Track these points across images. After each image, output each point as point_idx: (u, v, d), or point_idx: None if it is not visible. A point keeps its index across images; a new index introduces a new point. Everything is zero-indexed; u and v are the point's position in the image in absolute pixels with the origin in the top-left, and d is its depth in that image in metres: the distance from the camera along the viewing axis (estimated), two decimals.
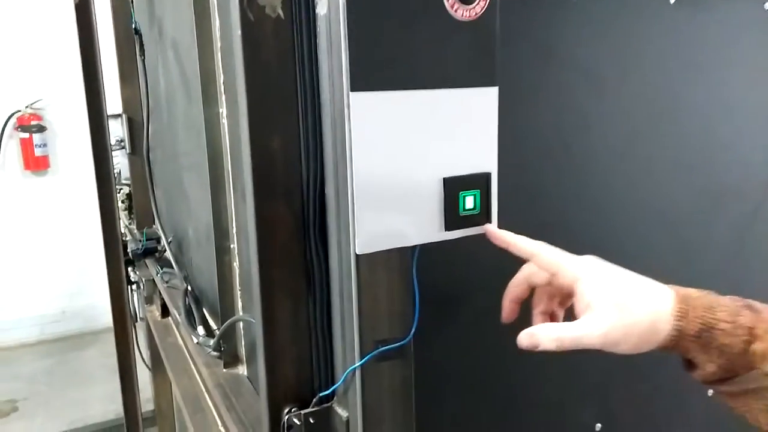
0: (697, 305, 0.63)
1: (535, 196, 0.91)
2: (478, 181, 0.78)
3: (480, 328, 0.87)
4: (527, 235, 0.90)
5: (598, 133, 0.97)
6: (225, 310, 1.24)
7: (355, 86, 0.68)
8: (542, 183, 0.93)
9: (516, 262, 0.87)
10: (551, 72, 0.91)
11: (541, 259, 0.72)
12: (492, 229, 0.76)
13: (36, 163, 4.56)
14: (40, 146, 4.53)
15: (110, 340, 2.48)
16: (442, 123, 0.75)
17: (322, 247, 0.82)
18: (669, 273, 1.06)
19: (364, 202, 0.71)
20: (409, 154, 0.73)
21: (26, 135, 4.48)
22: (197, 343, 1.34)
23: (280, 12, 0.75)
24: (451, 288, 0.85)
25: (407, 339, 0.79)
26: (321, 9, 0.73)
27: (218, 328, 1.27)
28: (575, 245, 0.96)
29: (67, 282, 4.87)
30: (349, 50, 0.68)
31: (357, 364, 0.76)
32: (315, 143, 0.79)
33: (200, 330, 1.38)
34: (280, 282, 0.82)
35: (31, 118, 4.48)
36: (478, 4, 0.73)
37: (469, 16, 0.74)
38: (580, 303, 0.66)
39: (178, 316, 1.53)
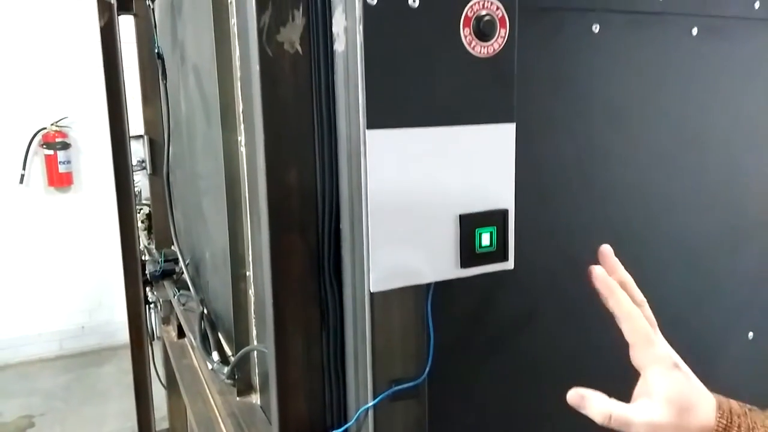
0: (741, 423, 0.62)
1: (555, 231, 0.90)
2: (495, 218, 0.77)
3: (497, 369, 0.86)
4: (546, 272, 0.89)
5: (618, 166, 0.96)
6: (239, 338, 1.23)
7: (372, 124, 0.68)
8: (562, 218, 0.91)
9: (534, 301, 0.86)
10: (571, 105, 0.91)
11: (630, 326, 0.67)
12: (599, 272, 0.70)
13: (60, 180, 4.64)
14: (64, 163, 4.61)
15: (127, 356, 2.49)
16: (459, 159, 0.74)
17: (336, 283, 0.81)
18: (692, 306, 1.04)
19: (378, 239, 0.70)
20: (424, 190, 0.73)
21: (51, 152, 4.56)
22: (212, 369, 1.33)
23: (299, 48, 0.75)
24: (467, 327, 0.84)
25: (421, 378, 0.77)
26: (339, 46, 0.73)
27: (233, 355, 1.27)
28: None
29: (86, 298, 4.91)
30: (366, 88, 0.67)
31: (370, 404, 0.75)
32: (331, 178, 0.78)
33: (215, 356, 1.38)
34: (293, 315, 0.81)
35: (56, 135, 4.56)
36: (495, 41, 0.73)
37: (487, 53, 0.73)
38: (642, 387, 0.65)
39: (193, 340, 1.53)
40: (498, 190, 0.77)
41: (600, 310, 0.96)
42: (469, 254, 0.76)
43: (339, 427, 0.83)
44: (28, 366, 4.65)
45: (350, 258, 0.77)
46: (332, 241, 0.80)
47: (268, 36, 0.74)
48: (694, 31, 0.98)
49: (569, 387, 0.94)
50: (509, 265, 0.79)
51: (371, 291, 0.71)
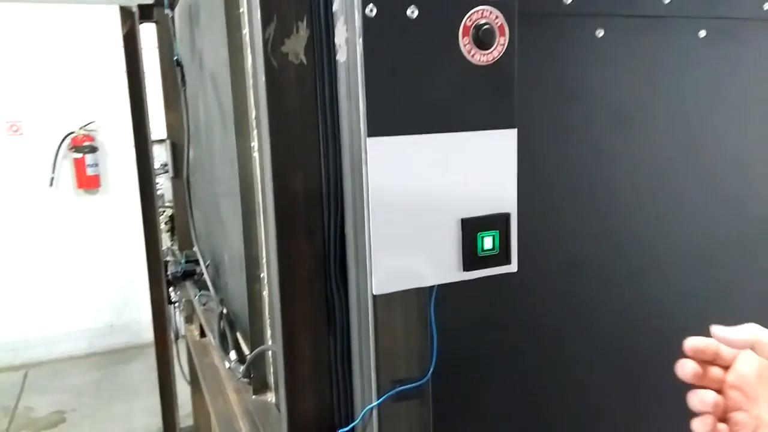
0: None
1: (560, 236, 0.91)
2: (497, 222, 0.79)
3: (500, 369, 0.87)
4: (551, 277, 0.90)
5: (625, 171, 0.97)
6: (255, 338, 1.27)
7: (372, 131, 0.70)
8: (567, 222, 0.92)
9: (534, 304, 0.87)
10: (576, 110, 0.92)
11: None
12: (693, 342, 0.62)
13: (88, 182, 4.75)
14: (91, 166, 4.72)
15: (154, 354, 2.55)
16: (460, 165, 0.76)
17: (342, 285, 0.83)
18: (701, 312, 1.04)
19: (381, 244, 0.73)
20: (426, 195, 0.75)
21: (79, 155, 4.67)
22: (229, 368, 1.37)
23: (303, 59, 0.78)
24: (470, 328, 0.85)
25: (425, 379, 0.79)
26: (341, 56, 0.75)
27: (250, 354, 1.30)
28: (601, 286, 0.96)
29: (115, 297, 5.03)
30: (367, 97, 0.70)
31: (374, 404, 0.77)
32: (336, 184, 0.81)
33: (233, 355, 1.41)
34: (301, 317, 0.84)
35: (84, 139, 4.68)
36: (495, 48, 0.75)
37: (487, 61, 0.75)
38: None
39: (212, 339, 1.57)
40: (500, 194, 0.79)
41: (604, 313, 0.97)
42: (471, 257, 0.77)
43: (346, 425, 0.85)
44: (60, 363, 4.77)
45: (354, 261, 0.79)
46: (338, 244, 0.82)
47: (273, 47, 0.76)
48: (702, 33, 0.98)
49: (573, 389, 0.95)
50: (512, 268, 0.81)
51: (374, 293, 0.74)
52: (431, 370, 0.79)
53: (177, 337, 2.63)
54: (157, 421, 3.30)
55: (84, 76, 4.65)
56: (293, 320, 0.83)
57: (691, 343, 0.62)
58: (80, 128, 4.68)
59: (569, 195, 0.91)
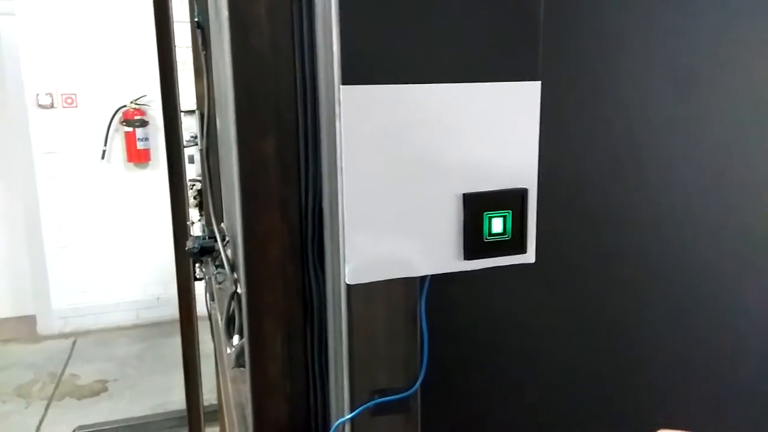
0: None
1: (591, 220, 0.73)
2: (510, 200, 0.62)
3: (505, 381, 0.71)
4: (578, 272, 0.73)
5: (683, 143, 0.77)
6: None
7: (348, 78, 0.55)
8: (605, 205, 0.74)
9: (554, 304, 0.71)
10: (623, 65, 0.73)
11: None
12: None
13: (138, 156, 4.79)
14: (142, 140, 4.76)
15: (200, 328, 2.50)
16: (465, 127, 0.60)
17: (320, 270, 0.69)
18: (739, 311, 0.85)
19: (357, 222, 0.58)
20: (419, 163, 0.59)
21: (130, 129, 4.71)
22: (228, 354, 1.26)
23: None
24: (471, 330, 0.69)
25: (412, 390, 0.64)
26: None
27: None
28: (641, 284, 0.78)
29: (162, 270, 5.07)
30: (341, 32, 0.54)
31: (346, 418, 0.63)
32: (316, 147, 0.66)
33: (235, 340, 1.30)
34: (271, 306, 0.70)
35: (135, 113, 4.71)
36: None
37: None
38: None
39: (220, 320, 1.46)
40: (516, 165, 0.62)
41: (644, 314, 0.79)
42: (475, 243, 0.62)
43: None
44: (107, 333, 4.88)
45: (330, 243, 0.64)
46: (317, 221, 0.68)
47: None
48: None
49: (591, 399, 0.78)
50: (528, 257, 0.64)
51: (348, 283, 0.59)
52: (420, 379, 0.64)
53: (210, 314, 2.57)
54: None
55: (137, 49, 4.67)
56: (262, 310, 0.70)
57: None
58: (131, 102, 4.71)
59: (606, 170, 0.72)
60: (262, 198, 0.67)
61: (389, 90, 0.57)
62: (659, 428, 0.55)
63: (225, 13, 0.63)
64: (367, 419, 0.63)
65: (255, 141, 0.66)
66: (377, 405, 0.63)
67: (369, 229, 0.58)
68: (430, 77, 0.58)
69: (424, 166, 0.59)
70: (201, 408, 2.47)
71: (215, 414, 2.91)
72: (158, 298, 5.16)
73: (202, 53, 1.69)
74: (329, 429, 0.71)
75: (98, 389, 4.06)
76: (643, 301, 0.78)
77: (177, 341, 4.76)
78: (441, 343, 0.64)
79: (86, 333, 4.85)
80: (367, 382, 0.63)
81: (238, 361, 1.11)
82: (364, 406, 0.63)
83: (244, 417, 1.07)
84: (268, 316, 0.70)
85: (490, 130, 0.61)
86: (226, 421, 1.48)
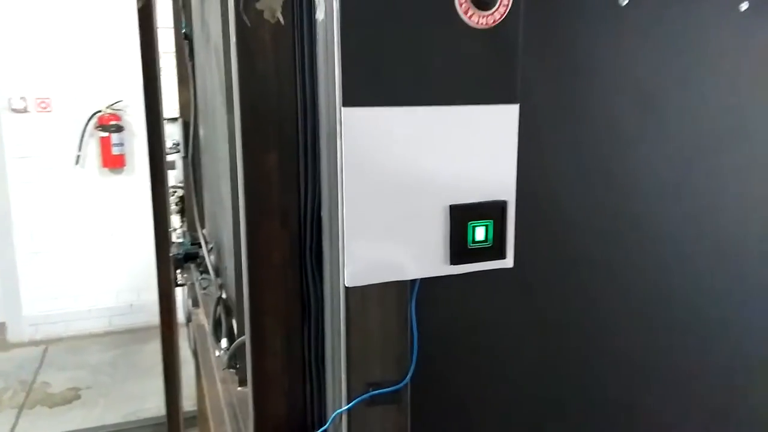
0: None
1: (565, 229, 0.81)
2: (492, 210, 0.69)
3: (489, 377, 0.78)
4: (553, 277, 0.80)
5: (646, 158, 0.85)
6: (242, 327, 1.19)
7: (348, 101, 0.61)
8: (574, 215, 0.82)
9: (531, 306, 0.78)
10: (592, 87, 0.81)
11: None
12: None
13: (113, 161, 4.77)
14: (117, 145, 4.74)
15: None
16: (451, 144, 0.66)
17: (319, 274, 0.75)
18: (723, 312, 0.93)
19: (355, 230, 0.64)
20: (410, 177, 0.65)
21: (105, 134, 4.68)
22: (218, 356, 1.30)
23: (280, 17, 0.69)
24: (457, 330, 0.76)
25: (403, 383, 0.70)
26: (319, 14, 0.66)
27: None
28: (611, 289, 0.85)
29: (136, 277, 5.05)
30: (343, 60, 0.61)
31: (343, 408, 0.69)
32: (315, 160, 0.72)
33: (223, 343, 1.35)
34: (272, 307, 0.76)
35: (111, 118, 4.69)
36: (497, 10, 0.65)
37: (486, 24, 0.65)
38: None
39: (206, 325, 1.50)
40: (497, 179, 0.69)
41: (612, 321, 0.86)
42: (460, 249, 0.68)
43: (319, 428, 0.77)
44: (79, 341, 4.82)
45: (329, 249, 0.71)
46: (315, 229, 0.74)
47: (245, 4, 0.68)
48: (743, 6, 0.86)
49: (574, 398, 0.86)
50: (508, 263, 0.71)
51: (346, 285, 0.65)
52: (410, 373, 0.70)
53: (189, 320, 2.59)
54: None
55: (113, 54, 4.65)
56: (263, 310, 0.75)
57: None
58: (107, 107, 4.68)
59: (578, 183, 0.80)
60: (265, 207, 0.73)
61: (385, 112, 0.63)
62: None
63: (233, 38, 0.69)
64: (362, 409, 0.69)
65: (259, 155, 0.71)
66: (372, 397, 0.69)
67: (366, 237, 0.64)
68: (421, 101, 0.64)
69: (415, 180, 0.66)
70: (181, 414, 2.49)
71: (193, 420, 2.93)
72: (131, 305, 5.12)
73: (189, 63, 1.74)
74: (324, 421, 0.77)
75: (71, 397, 4.02)
76: (606, 303, 0.85)
77: (151, 348, 4.74)
78: (429, 341, 0.70)
79: (58, 340, 4.78)
80: (362, 376, 0.69)
81: (230, 363, 1.16)
82: (361, 397, 0.69)
83: (235, 415, 1.12)
84: (269, 317, 0.75)
85: (474, 147, 0.68)
86: (212, 422, 1.51)
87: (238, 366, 1.19)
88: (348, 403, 0.69)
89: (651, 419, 0.92)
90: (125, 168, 4.92)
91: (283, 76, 0.71)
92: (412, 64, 0.63)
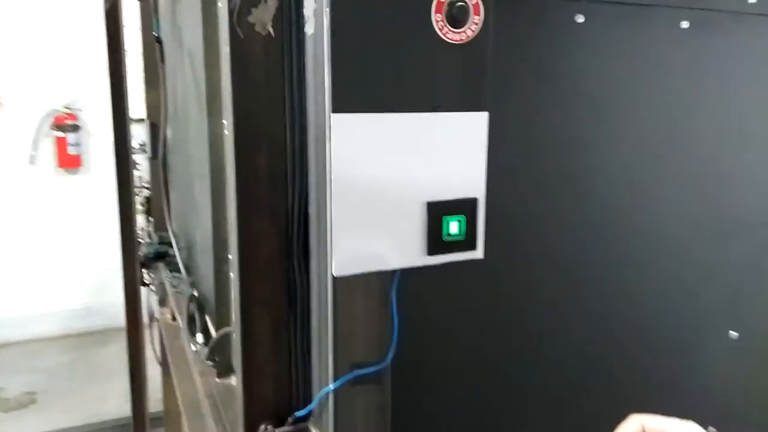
0: None
1: (528, 224, 0.89)
2: (464, 207, 0.77)
3: (462, 359, 0.85)
4: (518, 267, 0.89)
5: (600, 160, 0.95)
6: (221, 320, 1.24)
7: (337, 107, 0.68)
8: (537, 211, 0.90)
9: (499, 294, 0.85)
10: (552, 96, 0.89)
11: None
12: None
13: (69, 162, 4.69)
14: (73, 145, 4.66)
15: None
16: (428, 147, 0.74)
17: (305, 266, 0.81)
18: (671, 302, 1.03)
19: (343, 224, 0.70)
20: (391, 177, 0.72)
21: (61, 134, 4.60)
22: (195, 351, 1.34)
23: (270, 30, 0.75)
24: (434, 316, 0.83)
25: (384, 365, 0.77)
26: (309, 28, 0.73)
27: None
28: (569, 278, 0.94)
29: (93, 279, 4.96)
30: (332, 71, 0.67)
31: (330, 387, 0.75)
32: (302, 161, 0.78)
33: (199, 337, 1.38)
34: (261, 297, 0.81)
35: (67, 117, 4.60)
36: (469, 27, 0.72)
37: (460, 40, 0.72)
38: None
39: (180, 321, 1.54)
40: (468, 178, 0.77)
41: (571, 307, 0.95)
42: (436, 242, 0.76)
43: (304, 408, 0.83)
44: (34, 344, 4.71)
45: (316, 242, 0.77)
46: (302, 224, 0.80)
47: (239, 17, 0.73)
48: (684, 24, 0.97)
49: (536, 377, 0.94)
50: (478, 254, 0.79)
51: (334, 275, 0.71)
52: (390, 355, 0.77)
53: (151, 320, 2.59)
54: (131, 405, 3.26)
55: (70, 52, 4.57)
56: (253, 301, 0.81)
57: None
58: (63, 106, 4.60)
59: (540, 183, 0.89)
60: (255, 205, 0.79)
61: (370, 117, 0.70)
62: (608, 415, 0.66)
63: (226, 49, 0.74)
64: (346, 389, 0.76)
65: (250, 156, 0.77)
66: (356, 377, 0.76)
67: (352, 230, 0.71)
68: (403, 108, 0.71)
69: (396, 179, 0.73)
70: (147, 414, 2.49)
71: (157, 421, 2.92)
72: (89, 307, 5.02)
73: (161, 66, 1.76)
74: (309, 401, 0.83)
75: (26, 401, 3.94)
76: (562, 290, 0.94)
77: (109, 351, 4.68)
78: (408, 325, 0.77)
79: (12, 344, 4.66)
80: (348, 358, 0.75)
81: (211, 356, 1.21)
82: (346, 377, 0.75)
83: (215, 405, 1.17)
84: (258, 307, 0.81)
85: (449, 150, 0.75)
86: (184, 417, 1.54)
87: (216, 359, 1.24)
88: (334, 383, 0.75)
89: (604, 396, 1.02)
90: (81, 168, 4.84)
91: (272, 83, 0.76)
92: (394, 75, 0.70)
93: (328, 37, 0.66)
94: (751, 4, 1.00)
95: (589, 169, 0.94)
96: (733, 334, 1.10)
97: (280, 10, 0.75)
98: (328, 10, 0.66)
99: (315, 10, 0.70)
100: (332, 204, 0.69)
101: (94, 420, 3.74)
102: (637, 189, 0.99)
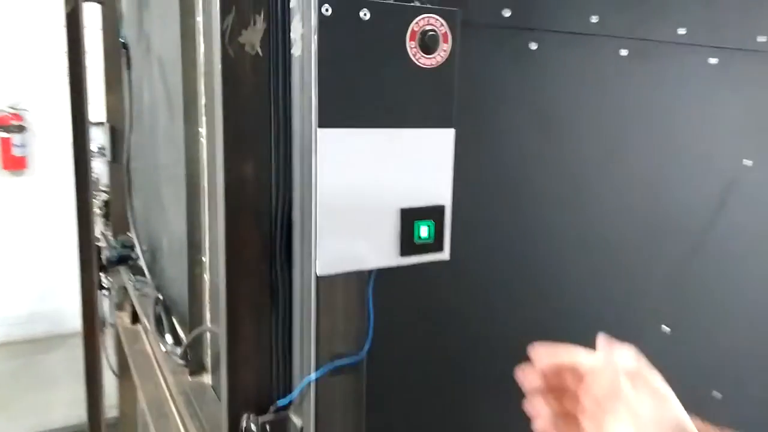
0: None
1: (490, 228, 0.99)
2: (433, 213, 0.86)
3: (433, 349, 0.94)
4: (478, 268, 0.98)
5: (549, 173, 1.06)
6: (193, 320, 1.29)
7: (323, 123, 0.75)
8: (497, 217, 1.00)
9: (462, 291, 0.95)
10: (510, 115, 1.00)
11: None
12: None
13: (14, 163, 4.56)
14: (18, 147, 4.53)
15: (77, 344, 2.49)
16: (402, 159, 0.82)
17: (287, 267, 0.88)
18: (613, 305, 1.15)
19: (326, 228, 0.78)
20: (370, 185, 0.80)
21: (6, 135, 4.47)
22: (165, 351, 1.38)
23: (259, 50, 0.82)
24: (405, 310, 0.92)
25: (361, 356, 0.85)
26: (296, 50, 0.80)
27: (186, 338, 1.32)
28: (525, 274, 1.05)
29: (36, 284, 4.83)
30: (319, 90, 0.75)
31: (312, 376, 0.82)
32: (285, 171, 0.85)
33: (168, 338, 1.43)
34: (245, 296, 0.88)
35: (12, 118, 4.48)
36: (438, 53, 0.81)
37: (430, 64, 0.81)
38: None
39: (147, 324, 1.57)
40: (437, 188, 0.86)
41: (527, 298, 1.06)
42: (408, 244, 0.84)
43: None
44: None
45: (300, 245, 0.84)
46: (285, 229, 0.87)
47: (230, 38, 0.80)
48: (623, 52, 1.09)
49: (493, 367, 1.04)
50: (445, 255, 0.88)
51: (318, 274, 0.79)
52: (367, 347, 0.85)
53: (104, 326, 2.57)
54: (78, 413, 3.20)
55: (15, 52, 4.45)
56: (238, 301, 0.87)
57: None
58: (8, 106, 4.48)
59: (499, 192, 0.99)
60: (241, 210, 0.85)
61: (352, 132, 0.78)
62: None
63: (219, 67, 0.81)
64: (326, 378, 0.83)
65: (238, 164, 0.84)
66: (336, 367, 0.83)
67: (334, 234, 0.79)
68: (380, 124, 0.79)
69: (374, 187, 0.81)
70: (103, 420, 2.48)
71: (113, 428, 2.89)
72: (32, 314, 4.88)
73: (126, 72, 1.79)
74: (290, 392, 0.90)
75: None
76: (520, 290, 1.05)
77: (55, 358, 4.56)
78: (383, 320, 0.86)
79: None
80: (328, 350, 0.83)
81: (184, 355, 1.26)
82: (326, 367, 0.83)
83: (189, 402, 1.22)
84: (242, 307, 0.87)
85: (420, 162, 0.84)
86: (149, 417, 1.58)
87: (189, 358, 1.29)
88: (316, 372, 0.82)
89: None
90: (27, 170, 4.71)
91: (259, 99, 0.83)
92: (373, 94, 0.78)
93: (315, 60, 0.74)
94: (681, 35, 1.14)
95: (541, 179, 1.05)
96: (666, 328, 1.23)
97: (268, 32, 0.82)
98: (315, 37, 0.73)
99: (302, 35, 0.78)
100: (317, 210, 0.77)
101: (40, 429, 3.65)
102: (583, 196, 1.10)
